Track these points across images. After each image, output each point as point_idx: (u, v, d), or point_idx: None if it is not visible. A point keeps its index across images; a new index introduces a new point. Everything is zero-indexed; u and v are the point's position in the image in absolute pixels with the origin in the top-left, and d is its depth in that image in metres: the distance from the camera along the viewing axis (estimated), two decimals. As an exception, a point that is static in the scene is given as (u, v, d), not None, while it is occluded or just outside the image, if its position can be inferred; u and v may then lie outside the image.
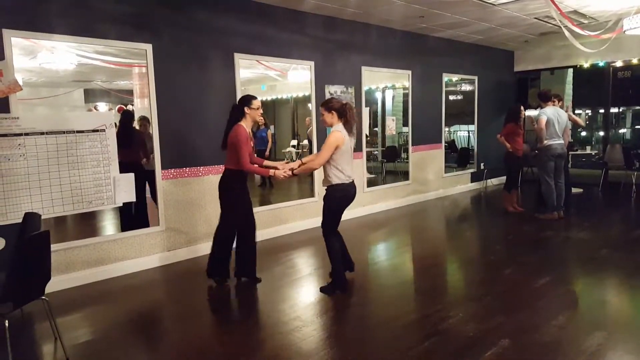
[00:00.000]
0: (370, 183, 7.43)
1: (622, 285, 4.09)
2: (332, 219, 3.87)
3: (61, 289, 4.11)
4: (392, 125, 8.62)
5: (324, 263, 4.84)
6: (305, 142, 7.38)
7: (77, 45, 4.29)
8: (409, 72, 7.66)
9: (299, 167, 3.88)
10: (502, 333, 3.09)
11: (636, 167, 8.07)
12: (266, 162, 4.19)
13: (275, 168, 3.92)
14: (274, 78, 7.11)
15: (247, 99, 3.86)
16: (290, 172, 3.81)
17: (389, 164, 9.16)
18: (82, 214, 4.24)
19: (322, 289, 3.92)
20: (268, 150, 7.95)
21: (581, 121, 6.49)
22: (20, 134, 3.84)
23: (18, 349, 2.99)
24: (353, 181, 3.87)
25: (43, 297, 2.80)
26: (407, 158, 8.02)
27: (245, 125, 3.84)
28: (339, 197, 3.79)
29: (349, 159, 3.79)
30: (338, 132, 3.70)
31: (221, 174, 4.00)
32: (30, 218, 3.19)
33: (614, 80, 9.34)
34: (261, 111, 3.92)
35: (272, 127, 8.25)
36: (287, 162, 4.21)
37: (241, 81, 5.41)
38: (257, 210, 5.69)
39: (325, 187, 3.81)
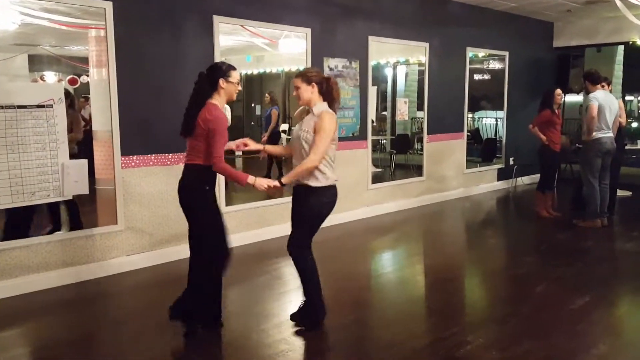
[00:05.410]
0: (376, 179, 7.40)
1: (676, 308, 4.10)
2: (312, 231, 3.50)
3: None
4: (404, 109, 8.60)
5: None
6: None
7: (20, 1, 4.21)
8: (426, 44, 7.61)
9: (287, 177, 3.44)
10: (531, 363, 3.08)
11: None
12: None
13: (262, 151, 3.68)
14: (262, 48, 7.06)
15: (224, 69, 3.38)
16: (277, 184, 3.37)
17: (399, 155, 9.16)
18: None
19: (293, 317, 3.65)
20: (268, 133, 7.84)
21: (624, 117, 6.55)
22: (-53, 108, 3.78)
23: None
24: None
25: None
26: (422, 149, 7.99)
27: (219, 104, 3.39)
28: (327, 202, 3.45)
29: (335, 153, 3.52)
30: (331, 115, 3.39)
31: (182, 174, 3.58)
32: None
33: (674, 60, 9.32)
34: (240, 87, 3.52)
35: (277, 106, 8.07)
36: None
37: (222, 50, 5.37)
38: (237, 208, 5.74)
39: (307, 188, 3.39)
